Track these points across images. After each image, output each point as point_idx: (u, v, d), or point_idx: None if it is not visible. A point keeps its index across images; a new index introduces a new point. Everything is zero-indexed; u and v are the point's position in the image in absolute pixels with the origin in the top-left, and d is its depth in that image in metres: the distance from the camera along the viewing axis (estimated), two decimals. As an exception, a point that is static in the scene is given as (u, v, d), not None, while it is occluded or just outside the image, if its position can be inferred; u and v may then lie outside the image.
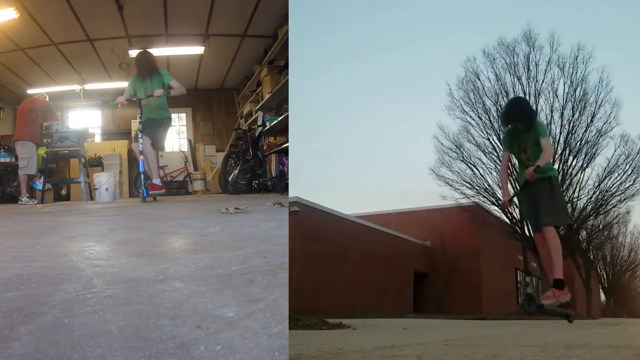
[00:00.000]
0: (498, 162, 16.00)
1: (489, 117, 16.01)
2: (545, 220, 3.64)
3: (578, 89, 15.51)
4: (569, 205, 16.23)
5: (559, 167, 15.70)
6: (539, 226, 3.72)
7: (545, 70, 15.71)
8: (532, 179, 3.55)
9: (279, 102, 9.20)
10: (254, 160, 9.94)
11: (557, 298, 3.47)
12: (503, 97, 15.88)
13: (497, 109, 15.94)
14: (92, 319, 1.11)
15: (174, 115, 14.16)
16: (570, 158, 15.66)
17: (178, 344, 0.96)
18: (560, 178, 15.65)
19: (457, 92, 16.34)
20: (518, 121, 3.83)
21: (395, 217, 16.52)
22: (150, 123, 6.79)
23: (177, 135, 14.21)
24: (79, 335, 1.01)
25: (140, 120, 6.73)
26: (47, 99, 9.14)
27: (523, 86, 15.79)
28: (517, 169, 4.20)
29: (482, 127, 16.07)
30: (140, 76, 6.93)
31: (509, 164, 4.29)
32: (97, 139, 12.93)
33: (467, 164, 16.10)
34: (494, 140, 16.04)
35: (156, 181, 6.80)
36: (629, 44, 38.10)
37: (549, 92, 15.72)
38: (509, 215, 16.28)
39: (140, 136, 6.75)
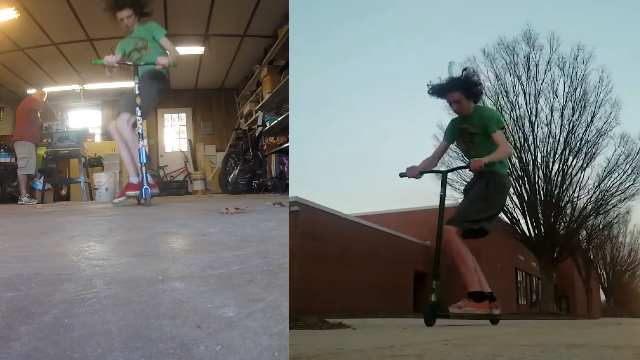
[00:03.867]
0: (498, 162, 16.00)
1: (489, 117, 16.00)
2: (453, 220, 3.21)
3: (578, 89, 15.53)
4: (569, 205, 16.25)
5: (559, 167, 15.72)
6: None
7: (545, 70, 15.73)
8: (476, 170, 3.13)
9: (279, 102, 9.21)
10: (254, 160, 9.94)
11: (470, 309, 3.10)
12: (503, 97, 15.91)
13: (497, 109, 15.94)
14: (92, 319, 1.11)
15: (173, 115, 14.30)
16: (570, 158, 15.68)
17: (178, 344, 0.96)
18: (560, 178, 15.66)
19: (457, 92, 16.31)
20: (456, 89, 3.20)
21: (395, 217, 16.52)
22: (129, 91, 5.01)
23: (177, 135, 14.22)
24: (79, 335, 1.01)
25: (138, 87, 4.96)
26: (46, 96, 9.15)
27: (523, 86, 15.82)
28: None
29: (482, 127, 16.04)
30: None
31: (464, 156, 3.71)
32: (97, 139, 12.94)
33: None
34: (494, 140, 16.03)
35: (133, 180, 5.18)
36: (629, 43, 38.13)
37: (549, 92, 15.75)
38: (508, 215, 16.30)
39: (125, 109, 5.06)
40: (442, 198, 3.18)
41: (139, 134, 4.94)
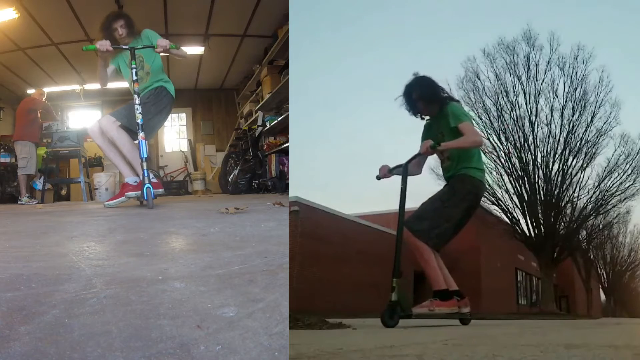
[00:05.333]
0: (498, 161, 16.02)
1: (489, 117, 16.04)
2: (408, 221, 3.03)
3: (578, 89, 15.54)
4: (569, 205, 16.25)
5: (559, 167, 15.72)
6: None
7: (545, 69, 15.74)
8: (424, 153, 2.97)
9: (279, 102, 9.20)
10: (254, 160, 9.94)
11: (437, 308, 2.90)
12: (503, 97, 15.92)
13: (497, 109, 15.97)
14: (92, 319, 1.11)
15: (173, 116, 14.26)
16: (570, 158, 15.69)
17: (178, 343, 0.96)
18: (560, 178, 15.66)
19: (457, 91, 16.35)
20: (418, 101, 3.14)
21: (395, 217, 16.49)
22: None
23: (177, 135, 14.22)
24: (79, 335, 1.01)
25: (135, 73, 4.47)
26: (45, 95, 9.15)
27: (523, 86, 15.83)
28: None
29: (482, 127, 16.08)
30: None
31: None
32: (97, 139, 12.92)
33: (467, 164, 16.09)
34: (494, 140, 16.06)
35: (129, 179, 4.74)
36: (629, 43, 38.12)
37: (549, 92, 15.76)
38: (508, 215, 16.31)
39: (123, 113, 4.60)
40: (403, 192, 3.00)
41: (137, 124, 4.34)
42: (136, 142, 4.49)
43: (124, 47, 4.60)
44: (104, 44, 4.47)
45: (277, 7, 8.16)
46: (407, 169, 3.06)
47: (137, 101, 4.40)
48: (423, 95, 3.13)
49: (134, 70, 4.46)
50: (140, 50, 4.66)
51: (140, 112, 4.38)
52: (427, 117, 3.25)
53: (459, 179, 3.04)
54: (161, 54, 4.80)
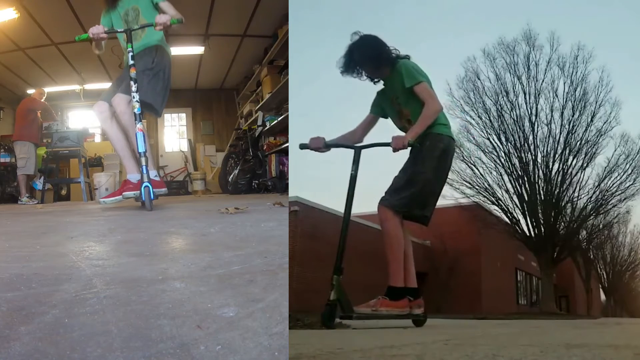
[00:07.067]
0: (498, 161, 16.03)
1: (489, 117, 16.05)
2: (383, 197, 2.72)
3: (578, 89, 15.56)
4: (569, 205, 16.26)
5: (559, 167, 15.74)
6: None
7: (546, 69, 15.76)
8: (398, 149, 2.61)
9: (279, 102, 9.21)
10: (254, 160, 9.94)
11: (384, 309, 2.59)
12: (503, 97, 15.93)
13: (497, 109, 15.98)
14: (92, 319, 1.11)
15: (173, 116, 14.28)
16: (570, 158, 15.71)
17: (178, 344, 0.96)
18: (560, 178, 15.67)
19: (457, 91, 16.37)
20: (365, 65, 2.78)
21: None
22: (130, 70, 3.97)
23: (177, 135, 14.23)
24: (79, 335, 1.01)
25: (132, 56, 4.00)
26: (45, 95, 9.16)
27: (523, 85, 15.84)
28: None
29: (482, 127, 16.11)
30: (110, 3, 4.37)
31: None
32: (97, 139, 12.93)
33: (467, 164, 16.13)
34: (494, 139, 16.07)
35: (132, 176, 4.18)
36: (629, 43, 38.13)
37: (549, 92, 15.78)
38: (508, 215, 16.31)
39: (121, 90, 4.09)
40: (353, 178, 2.70)
41: (135, 115, 3.89)
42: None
43: (119, 30, 4.19)
44: (96, 31, 4.04)
45: (277, 7, 8.16)
46: (359, 154, 2.75)
47: (133, 74, 3.94)
48: (367, 57, 2.76)
49: (130, 54, 3.99)
50: (132, 4, 4.26)
51: (133, 63, 3.94)
52: (376, 80, 2.90)
53: (426, 140, 2.71)
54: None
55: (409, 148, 2.69)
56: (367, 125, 3.00)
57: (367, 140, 2.95)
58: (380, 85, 2.94)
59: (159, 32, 4.24)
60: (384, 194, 2.74)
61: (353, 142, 2.88)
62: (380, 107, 2.96)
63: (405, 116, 2.81)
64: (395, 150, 2.61)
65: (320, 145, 2.85)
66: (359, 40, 2.77)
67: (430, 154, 2.70)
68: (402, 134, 2.73)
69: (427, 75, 2.75)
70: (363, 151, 2.78)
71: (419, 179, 2.69)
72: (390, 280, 2.69)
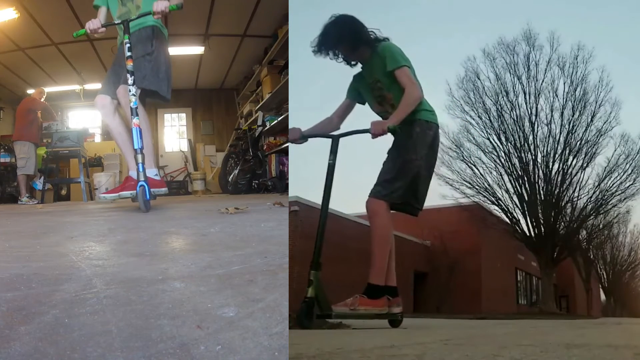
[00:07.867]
0: (498, 161, 16.04)
1: (489, 117, 16.07)
2: (374, 189, 2.63)
3: (578, 89, 15.58)
4: (569, 204, 16.27)
5: (559, 167, 15.75)
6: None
7: (546, 69, 15.78)
8: (378, 136, 2.48)
9: (279, 102, 9.21)
10: (254, 160, 9.94)
11: (363, 308, 2.52)
12: (503, 97, 15.95)
13: (497, 109, 15.99)
14: (92, 319, 1.11)
15: (173, 115, 14.28)
16: (570, 157, 15.72)
17: (178, 344, 0.96)
18: (560, 178, 15.68)
19: (457, 91, 16.39)
20: (342, 44, 2.63)
21: (395, 216, 16.53)
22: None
23: (177, 135, 14.23)
24: (79, 335, 1.01)
25: (129, 47, 3.75)
26: (45, 95, 9.16)
27: (523, 85, 15.86)
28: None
29: (482, 127, 16.12)
30: None
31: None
32: (97, 139, 12.94)
33: (467, 164, 16.16)
34: (494, 139, 16.08)
35: (133, 173, 3.83)
36: (629, 43, 38.13)
37: (549, 92, 15.80)
38: (508, 215, 16.31)
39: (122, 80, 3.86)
40: (331, 167, 2.57)
41: (131, 109, 3.68)
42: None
43: (116, 22, 3.99)
44: (94, 27, 3.87)
45: (277, 7, 8.16)
46: (337, 143, 2.62)
47: (130, 67, 3.73)
48: (344, 36, 2.62)
49: (127, 46, 3.76)
50: None
51: (129, 55, 3.73)
52: (354, 63, 2.76)
53: (415, 127, 2.59)
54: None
55: (390, 135, 2.55)
56: (344, 111, 2.85)
57: (344, 127, 2.83)
58: (357, 69, 2.79)
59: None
60: (374, 186, 2.63)
61: (330, 130, 2.75)
62: (357, 92, 2.82)
63: (388, 101, 2.67)
64: (374, 136, 2.49)
65: (297, 137, 2.72)
66: (336, 19, 2.64)
67: (422, 141, 2.59)
68: (380, 119, 2.62)
69: (408, 58, 2.63)
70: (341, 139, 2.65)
71: (412, 166, 2.57)
72: (372, 277, 2.61)
